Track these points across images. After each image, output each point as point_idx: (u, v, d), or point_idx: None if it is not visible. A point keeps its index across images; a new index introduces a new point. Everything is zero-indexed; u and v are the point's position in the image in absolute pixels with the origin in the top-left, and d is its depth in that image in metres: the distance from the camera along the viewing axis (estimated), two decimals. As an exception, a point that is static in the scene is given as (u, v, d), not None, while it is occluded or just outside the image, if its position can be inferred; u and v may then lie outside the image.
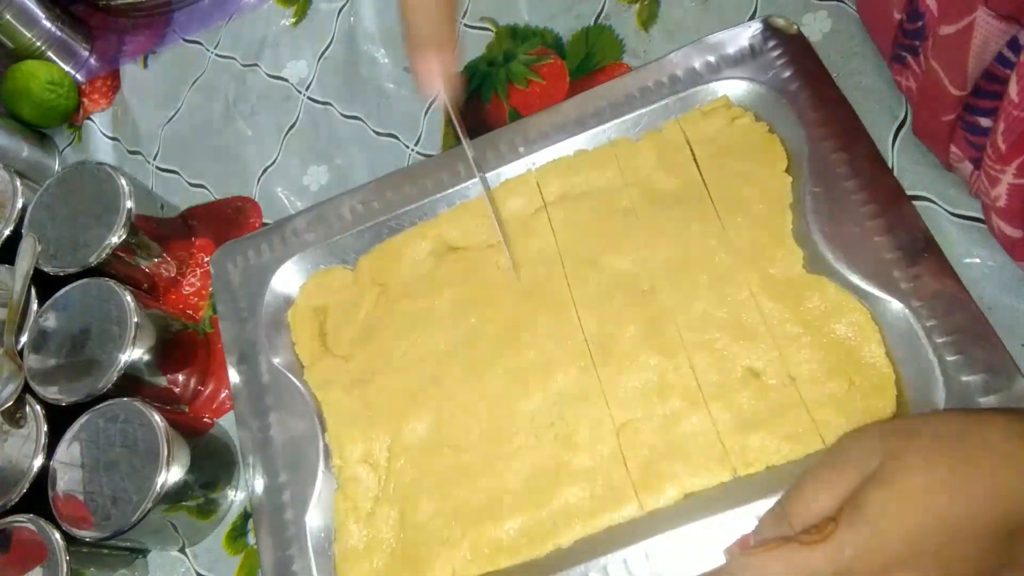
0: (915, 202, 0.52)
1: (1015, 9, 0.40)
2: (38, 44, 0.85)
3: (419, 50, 0.51)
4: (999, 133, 0.44)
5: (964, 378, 0.46)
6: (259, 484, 0.58)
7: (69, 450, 0.59)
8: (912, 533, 0.36)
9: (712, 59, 0.59)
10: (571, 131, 0.60)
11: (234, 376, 0.62)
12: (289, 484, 0.57)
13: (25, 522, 0.58)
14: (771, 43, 0.58)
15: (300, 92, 0.77)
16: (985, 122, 0.46)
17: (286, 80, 0.78)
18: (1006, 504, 0.36)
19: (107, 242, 0.65)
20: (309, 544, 0.55)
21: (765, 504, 0.45)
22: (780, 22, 0.59)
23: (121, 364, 0.60)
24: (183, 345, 0.66)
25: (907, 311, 0.49)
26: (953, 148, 0.50)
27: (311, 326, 0.61)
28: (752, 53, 0.59)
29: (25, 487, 0.59)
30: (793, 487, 0.41)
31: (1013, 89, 0.41)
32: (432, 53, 0.51)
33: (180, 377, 0.66)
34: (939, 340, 0.47)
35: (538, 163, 0.61)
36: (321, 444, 0.57)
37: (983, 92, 0.45)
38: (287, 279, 0.64)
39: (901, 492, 0.36)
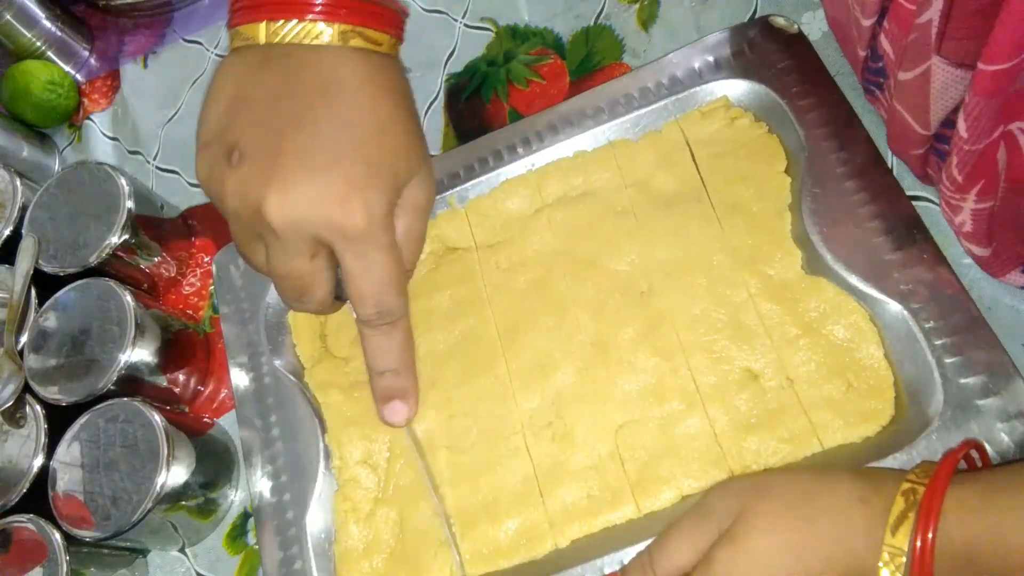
0: (914, 202, 0.52)
1: (966, 57, 0.40)
2: (38, 44, 0.85)
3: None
4: (953, 166, 0.44)
5: (963, 380, 0.46)
6: (261, 485, 0.58)
7: (69, 450, 0.59)
8: None
9: (712, 59, 0.59)
10: (570, 132, 0.60)
11: (236, 377, 0.62)
12: (290, 485, 0.57)
13: (25, 522, 0.58)
14: (771, 43, 0.58)
15: (300, 92, 0.77)
16: None
17: (286, 80, 0.78)
18: (842, 565, 0.38)
19: (107, 242, 0.65)
20: (309, 544, 0.55)
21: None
22: (780, 21, 0.58)
23: (121, 364, 0.60)
24: (183, 345, 0.66)
25: (906, 313, 0.48)
26: (928, 170, 0.51)
27: (312, 328, 0.61)
28: (752, 53, 0.58)
29: (25, 487, 0.59)
30: (660, 537, 0.43)
31: (961, 126, 0.41)
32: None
33: (180, 377, 0.66)
34: (938, 342, 0.47)
35: (537, 164, 0.61)
36: (321, 445, 0.57)
37: (952, 123, 0.45)
38: (288, 280, 0.64)
39: (747, 553, 0.39)
